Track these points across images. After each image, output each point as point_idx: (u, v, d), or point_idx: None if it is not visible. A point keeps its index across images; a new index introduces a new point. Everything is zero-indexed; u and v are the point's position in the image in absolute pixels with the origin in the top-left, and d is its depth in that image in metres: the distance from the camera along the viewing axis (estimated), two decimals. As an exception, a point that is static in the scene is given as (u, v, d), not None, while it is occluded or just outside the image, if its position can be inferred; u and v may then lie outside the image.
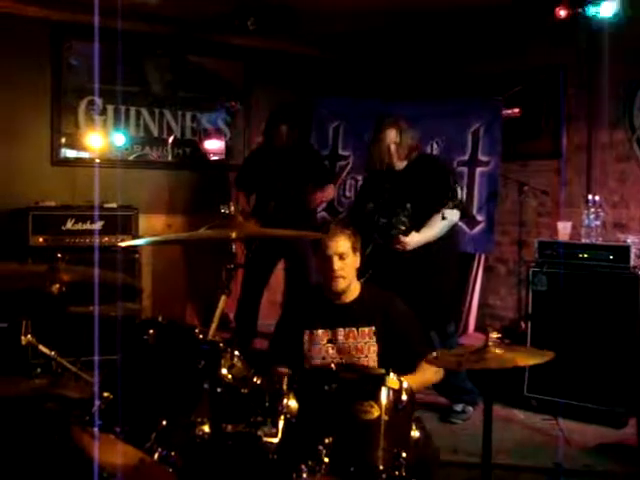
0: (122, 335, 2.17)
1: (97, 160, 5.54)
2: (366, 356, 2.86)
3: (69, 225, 5.05)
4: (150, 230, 5.53)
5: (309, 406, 1.98)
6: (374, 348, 2.87)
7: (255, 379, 2.01)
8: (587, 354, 4.20)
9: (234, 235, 2.01)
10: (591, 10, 4.56)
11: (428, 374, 2.79)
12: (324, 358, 2.86)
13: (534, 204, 5.56)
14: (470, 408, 4.25)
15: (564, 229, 4.55)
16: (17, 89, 5.32)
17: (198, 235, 2.32)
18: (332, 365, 2.22)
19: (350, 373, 2.07)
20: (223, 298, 2.11)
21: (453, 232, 4.21)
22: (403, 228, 3.95)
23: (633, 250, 4.18)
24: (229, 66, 6.29)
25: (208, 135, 6.24)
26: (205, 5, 5.26)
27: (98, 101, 5.65)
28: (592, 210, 4.43)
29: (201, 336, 1.96)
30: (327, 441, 1.88)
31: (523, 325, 4.71)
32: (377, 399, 1.99)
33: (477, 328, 5.76)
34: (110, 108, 5.75)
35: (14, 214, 5.13)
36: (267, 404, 1.94)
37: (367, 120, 5.68)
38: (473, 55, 5.94)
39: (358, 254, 2.97)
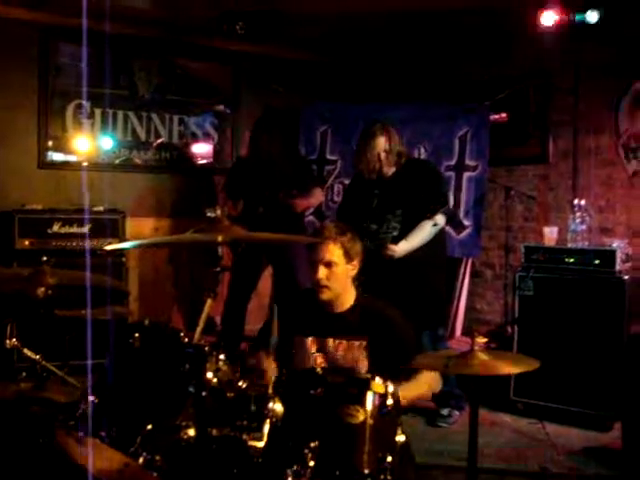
0: (108, 339, 2.15)
1: (84, 163, 5.53)
2: (356, 368, 2.71)
3: (55, 228, 5.04)
4: (137, 234, 5.51)
5: (295, 410, 1.98)
6: (364, 361, 2.74)
7: (241, 383, 2.00)
8: (573, 358, 4.22)
9: (220, 238, 2.00)
10: (577, 17, 4.59)
11: (422, 386, 2.69)
12: (312, 366, 2.73)
13: (520, 209, 5.60)
14: (456, 412, 4.26)
15: (550, 234, 4.57)
16: (4, 92, 5.31)
17: (185, 238, 2.32)
18: (318, 369, 2.21)
19: (336, 377, 2.07)
20: (209, 301, 2.11)
21: (442, 236, 4.23)
22: (395, 234, 3.97)
23: (619, 254, 4.21)
24: (217, 70, 6.30)
25: (196, 139, 6.24)
26: (193, 9, 5.25)
27: (86, 104, 5.64)
28: (578, 215, 4.46)
29: (186, 340, 1.95)
30: (313, 445, 1.88)
31: (509, 329, 4.73)
32: (363, 403, 1.99)
33: (464, 332, 5.77)
34: (98, 112, 5.74)
35: (0, 217, 5.11)
36: (253, 408, 1.94)
37: (355, 124, 5.75)
38: (461, 60, 5.96)
39: (356, 261, 2.82)
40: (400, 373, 2.62)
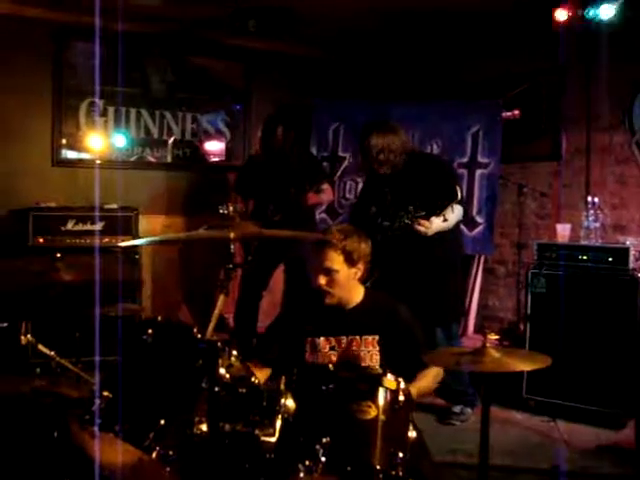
0: (122, 335, 2.17)
1: (98, 161, 5.55)
2: (369, 365, 2.74)
3: (69, 226, 5.07)
4: (150, 231, 5.53)
5: (307, 405, 1.98)
6: (377, 357, 2.77)
7: (253, 379, 2.01)
8: (586, 356, 4.20)
9: (233, 235, 2.01)
10: (590, 12, 4.56)
11: (428, 380, 2.74)
12: (324, 363, 2.73)
13: (533, 206, 5.57)
14: (469, 409, 4.26)
15: (563, 231, 4.55)
16: (18, 90, 5.33)
17: (197, 235, 2.33)
18: (330, 365, 2.22)
19: (348, 373, 2.07)
20: (222, 298, 2.11)
21: (458, 233, 4.25)
22: (423, 213, 3.89)
23: (632, 252, 4.19)
24: (229, 67, 6.31)
25: (208, 136, 6.26)
26: (205, 6, 5.26)
27: (99, 102, 5.67)
28: (591, 212, 4.43)
29: (199, 335, 1.97)
30: (324, 440, 1.88)
31: (522, 327, 4.71)
32: (374, 399, 1.99)
33: (477, 330, 5.76)
34: (111, 109, 5.77)
35: (15, 214, 5.15)
36: (265, 403, 1.95)
37: (366, 121, 5.73)
38: (473, 57, 5.94)
39: (361, 264, 2.81)
40: (410, 368, 2.66)
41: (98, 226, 5.09)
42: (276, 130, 5.01)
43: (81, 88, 5.63)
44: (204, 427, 1.83)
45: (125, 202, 5.36)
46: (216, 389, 1.79)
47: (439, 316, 4.08)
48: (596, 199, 4.50)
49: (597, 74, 5.14)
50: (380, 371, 2.12)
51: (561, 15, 4.66)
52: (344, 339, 2.78)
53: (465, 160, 5.54)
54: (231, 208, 2.13)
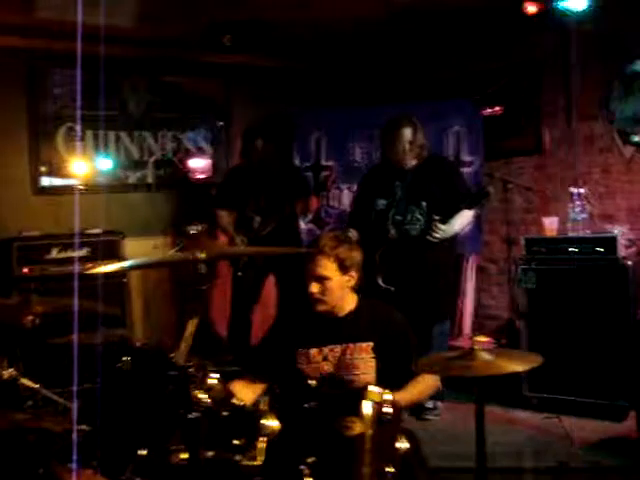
0: (100, 364, 2.12)
1: (79, 186, 5.50)
2: (364, 373, 2.69)
3: (54, 254, 5.02)
4: (137, 254, 5.46)
5: (291, 425, 1.93)
6: (372, 364, 2.71)
7: (235, 400, 1.96)
8: (583, 349, 4.17)
9: (203, 256, 1.97)
10: (561, 4, 4.54)
11: (422, 386, 2.69)
12: (321, 373, 2.66)
13: (520, 201, 5.54)
14: (439, 403, 4.28)
15: (550, 224, 4.53)
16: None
17: (167, 258, 2.29)
18: (312, 382, 2.16)
19: (330, 389, 2.02)
20: (191, 322, 2.05)
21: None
22: (419, 226, 4.08)
23: (620, 240, 4.16)
24: (208, 84, 6.27)
25: (190, 154, 6.21)
26: (179, 25, 5.23)
27: (77, 127, 5.63)
28: (577, 203, 4.42)
29: (172, 361, 1.91)
30: (309, 460, 1.83)
31: (518, 324, 4.67)
32: (359, 414, 1.94)
33: (473, 330, 5.71)
34: (89, 133, 5.72)
35: (-3, 245, 5.09)
36: (248, 426, 1.89)
37: (347, 128, 5.75)
38: (451, 55, 5.93)
39: (354, 272, 2.76)
40: (404, 375, 2.63)
41: (83, 252, 5.04)
42: (255, 142, 4.98)
43: (57, 114, 5.58)
44: (183, 456, 1.78)
45: (110, 226, 5.30)
46: (192, 415, 1.74)
47: (436, 312, 4.18)
48: (581, 190, 4.48)
49: (574, 65, 5.12)
50: (363, 384, 2.06)
51: (531, 8, 4.65)
52: (338, 348, 2.72)
53: (449, 160, 5.51)
54: (199, 227, 2.09)
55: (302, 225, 5.52)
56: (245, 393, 2.45)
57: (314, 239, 3.15)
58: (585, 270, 4.18)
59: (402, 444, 2.03)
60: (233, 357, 4.90)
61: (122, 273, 5.08)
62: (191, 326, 2.04)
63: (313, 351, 2.74)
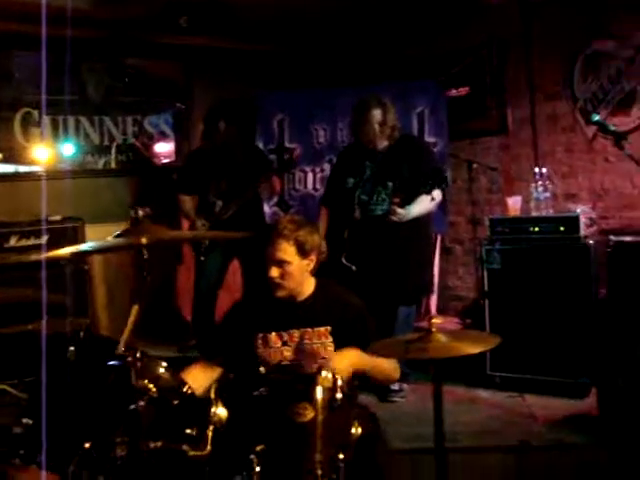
0: (46, 354, 2.06)
1: (39, 173, 5.39)
2: (323, 357, 2.66)
3: (12, 242, 4.90)
4: (100, 240, 5.36)
5: (240, 413, 1.89)
6: (331, 348, 2.70)
7: (185, 388, 1.92)
8: (546, 328, 4.17)
9: (145, 241, 1.91)
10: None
11: (381, 360, 2.68)
12: (280, 361, 2.64)
13: (485, 181, 5.54)
14: (405, 385, 4.25)
15: (514, 204, 4.52)
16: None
17: (109, 244, 2.23)
18: (261, 368, 2.12)
19: (281, 375, 1.99)
20: (134, 309, 2.00)
21: (429, 214, 4.26)
22: (385, 207, 4.01)
23: (583, 220, 4.17)
24: (168, 67, 6.18)
25: (152, 139, 6.11)
26: (136, 6, 5.11)
27: (35, 112, 5.50)
28: (540, 183, 4.41)
29: (115, 350, 1.86)
30: (258, 449, 1.79)
31: (482, 304, 4.68)
32: (311, 399, 1.91)
33: (439, 311, 5.72)
34: (48, 118, 5.59)
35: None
36: (199, 414, 1.85)
37: (310, 110, 5.70)
38: (413, 37, 5.89)
39: (313, 255, 2.75)
40: None
41: (42, 240, 4.94)
42: (218, 124, 4.91)
43: (14, 99, 5.45)
44: (126, 448, 1.73)
45: (72, 212, 5.19)
46: (133, 406, 1.70)
47: (402, 294, 4.15)
48: (544, 169, 4.47)
49: (537, 44, 5.13)
50: (314, 370, 2.03)
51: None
52: (296, 333, 2.71)
53: (412, 141, 5.48)
54: (140, 212, 2.03)
55: (266, 208, 5.46)
56: (200, 379, 2.40)
57: (274, 222, 3.13)
58: (548, 250, 4.19)
59: (357, 429, 1.99)
60: (196, 342, 4.86)
61: (82, 260, 4.98)
62: (133, 313, 1.99)
63: (272, 336, 2.72)
